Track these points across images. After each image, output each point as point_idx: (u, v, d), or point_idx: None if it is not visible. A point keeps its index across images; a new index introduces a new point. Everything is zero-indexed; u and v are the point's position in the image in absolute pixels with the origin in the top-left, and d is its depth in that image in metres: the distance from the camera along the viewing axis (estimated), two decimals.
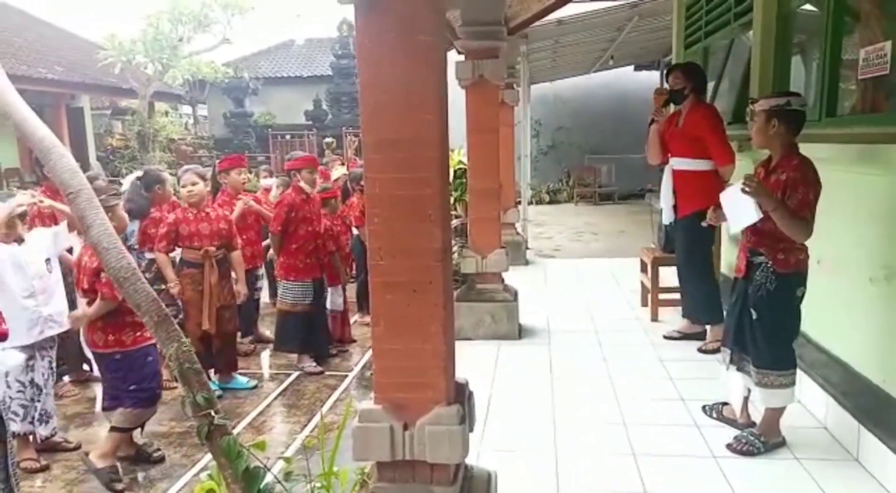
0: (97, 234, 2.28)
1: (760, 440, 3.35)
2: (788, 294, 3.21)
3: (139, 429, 4.04)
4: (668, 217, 5.05)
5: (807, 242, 3.22)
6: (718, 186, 4.46)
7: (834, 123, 3.82)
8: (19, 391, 3.87)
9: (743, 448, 3.35)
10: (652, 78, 15.37)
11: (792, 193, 3.09)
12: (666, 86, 5.05)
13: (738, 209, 3.25)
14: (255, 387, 5.11)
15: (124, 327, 3.71)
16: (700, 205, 4.42)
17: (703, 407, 3.83)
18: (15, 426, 3.83)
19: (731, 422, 3.63)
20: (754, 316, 3.29)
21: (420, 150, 2.02)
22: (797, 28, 4.69)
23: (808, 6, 4.57)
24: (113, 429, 3.75)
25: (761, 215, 3.11)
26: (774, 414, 3.39)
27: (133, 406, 3.74)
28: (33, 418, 3.95)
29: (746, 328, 3.36)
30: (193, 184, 4.82)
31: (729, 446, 3.40)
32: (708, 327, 4.93)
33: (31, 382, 3.94)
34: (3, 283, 3.84)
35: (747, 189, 3.08)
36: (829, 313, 3.69)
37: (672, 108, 5.10)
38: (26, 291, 3.95)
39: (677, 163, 4.83)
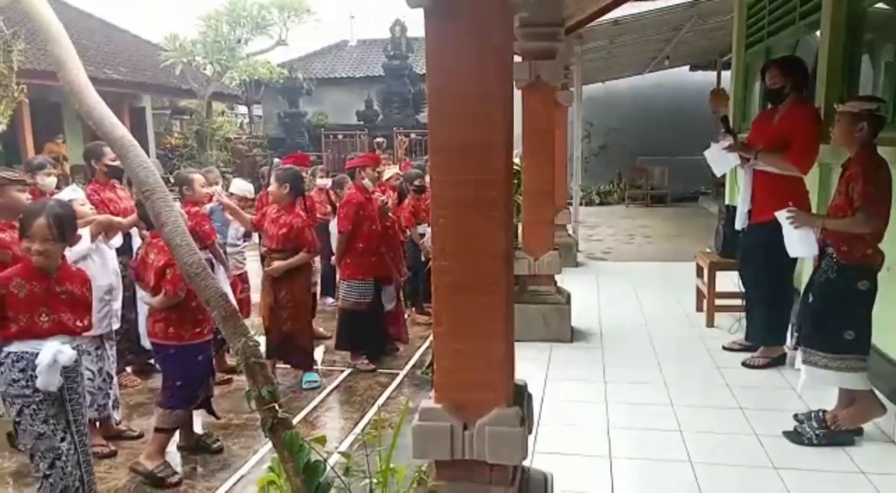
0: (171, 231, 2.37)
1: (815, 431, 3.43)
2: (849, 284, 3.32)
3: (208, 415, 4.16)
4: (741, 222, 4.65)
5: (879, 243, 3.28)
6: (804, 195, 4.29)
7: None
8: (89, 379, 4.04)
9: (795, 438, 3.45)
10: (708, 78, 15.02)
11: (854, 185, 3.25)
12: (723, 86, 4.93)
13: (794, 238, 3.58)
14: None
15: (185, 321, 3.82)
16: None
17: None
18: None
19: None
20: (810, 299, 3.50)
21: (486, 153, 2.03)
22: (868, 27, 4.52)
23: (880, 4, 4.41)
24: (157, 430, 3.85)
25: (816, 251, 3.48)
26: (861, 398, 3.43)
27: (171, 407, 3.82)
28: (102, 405, 4.12)
29: (807, 309, 3.56)
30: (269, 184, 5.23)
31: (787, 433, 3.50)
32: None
33: (101, 370, 4.11)
34: (91, 276, 4.04)
35: (796, 224, 3.53)
36: None
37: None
38: (107, 286, 4.16)
39: (761, 162, 4.41)
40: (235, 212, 5.44)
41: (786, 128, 4.29)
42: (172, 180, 5.36)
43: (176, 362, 3.88)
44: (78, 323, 3.07)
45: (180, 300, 3.77)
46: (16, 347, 2.90)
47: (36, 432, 2.92)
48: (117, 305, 4.27)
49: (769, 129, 4.43)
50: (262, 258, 5.30)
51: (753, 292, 4.71)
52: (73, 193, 4.25)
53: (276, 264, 4.96)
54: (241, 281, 5.79)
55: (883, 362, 3.67)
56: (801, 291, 4.91)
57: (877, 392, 3.60)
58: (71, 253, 3.94)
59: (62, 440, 2.96)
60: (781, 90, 4.33)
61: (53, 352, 2.90)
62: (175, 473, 3.79)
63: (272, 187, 5.07)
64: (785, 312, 4.51)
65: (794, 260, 4.39)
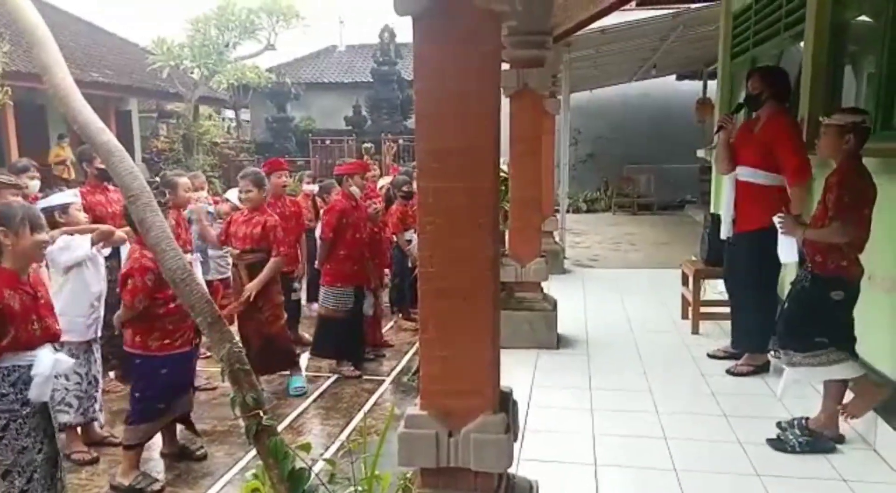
0: (156, 236, 2.35)
1: (798, 439, 3.45)
2: (821, 295, 3.37)
3: (189, 426, 4.10)
4: (726, 231, 4.70)
5: (859, 255, 3.32)
6: (787, 203, 4.29)
7: (889, 136, 3.73)
8: (77, 383, 4.02)
9: (778, 445, 3.48)
10: (695, 87, 15.15)
11: (829, 194, 3.29)
12: (709, 96, 4.96)
13: (783, 244, 3.65)
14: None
15: (152, 331, 3.73)
16: (762, 224, 4.19)
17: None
18: (68, 417, 3.99)
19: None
20: (786, 305, 3.57)
21: (474, 159, 2.03)
22: (851, 39, 4.59)
23: (863, 16, 4.48)
24: (125, 447, 3.77)
25: (796, 258, 3.56)
26: (831, 404, 3.48)
27: (135, 422, 3.73)
28: (87, 408, 4.08)
29: (782, 315, 3.64)
30: (249, 190, 4.99)
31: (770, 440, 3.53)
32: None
33: (88, 374, 4.08)
34: (84, 282, 4.01)
35: (782, 229, 3.53)
36: (879, 331, 3.60)
37: (742, 116, 4.90)
38: (98, 292, 4.14)
39: (744, 173, 4.46)
40: (203, 228, 5.40)
41: (768, 140, 4.32)
42: (159, 181, 5.29)
43: (138, 371, 3.80)
44: (57, 326, 3.01)
45: (140, 310, 3.69)
46: (7, 361, 2.78)
47: (19, 446, 2.81)
48: (102, 310, 4.23)
49: (752, 138, 4.48)
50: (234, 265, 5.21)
51: (739, 299, 4.76)
52: (74, 198, 4.24)
53: (252, 284, 4.84)
54: (223, 286, 5.75)
55: (865, 370, 3.70)
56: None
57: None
58: (69, 258, 3.93)
59: (39, 451, 2.87)
60: (759, 97, 4.39)
61: (53, 361, 2.83)
62: (155, 481, 3.75)
63: (252, 193, 4.95)
64: (770, 319, 4.52)
65: (779, 268, 4.45)
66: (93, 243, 4.00)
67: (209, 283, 5.51)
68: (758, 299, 4.53)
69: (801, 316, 3.47)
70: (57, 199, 4.21)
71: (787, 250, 3.65)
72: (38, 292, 2.94)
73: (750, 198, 4.42)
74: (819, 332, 3.39)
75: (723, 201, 4.79)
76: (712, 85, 12.44)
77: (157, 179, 6.22)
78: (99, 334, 4.23)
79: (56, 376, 3.88)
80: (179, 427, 4.17)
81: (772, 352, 3.94)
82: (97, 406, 4.16)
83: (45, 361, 2.81)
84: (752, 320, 4.59)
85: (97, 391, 4.17)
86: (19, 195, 3.70)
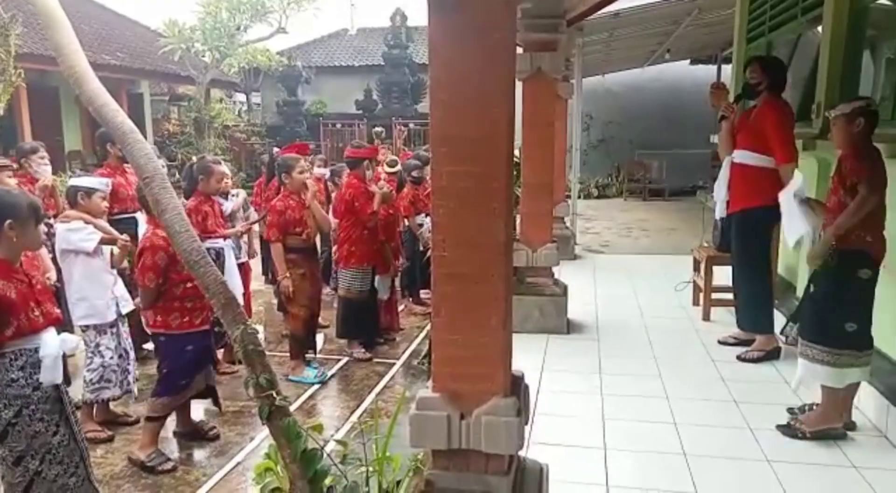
0: (170, 218, 2.37)
1: (802, 430, 3.47)
2: (849, 273, 3.31)
3: (215, 400, 4.17)
4: (720, 211, 4.95)
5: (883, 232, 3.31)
6: (776, 187, 4.34)
7: None
8: (111, 358, 4.10)
9: (788, 432, 3.50)
10: (708, 72, 14.97)
11: (845, 164, 3.31)
12: (723, 81, 4.97)
13: (793, 221, 3.61)
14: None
15: (172, 311, 3.80)
16: (752, 202, 4.41)
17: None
18: (110, 392, 4.13)
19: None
20: (811, 289, 3.49)
21: (488, 144, 2.03)
22: (870, 23, 4.53)
23: (882, 0, 4.42)
24: (147, 419, 3.86)
25: (812, 240, 3.48)
26: (829, 399, 3.47)
27: (159, 395, 3.83)
28: (122, 381, 4.17)
29: (808, 299, 3.57)
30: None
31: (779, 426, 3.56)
32: (757, 336, 4.70)
33: (118, 347, 4.16)
34: (95, 268, 4.05)
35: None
36: (892, 319, 3.58)
37: (744, 103, 4.92)
38: (110, 275, 4.18)
39: (739, 156, 4.61)
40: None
41: (759, 126, 4.45)
42: (195, 163, 5.27)
43: (163, 350, 3.89)
44: (57, 310, 2.93)
45: (160, 290, 3.74)
46: (12, 346, 2.70)
47: (32, 431, 2.75)
48: (118, 290, 4.25)
49: (747, 124, 4.60)
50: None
51: (736, 278, 4.87)
52: (103, 187, 4.28)
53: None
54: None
55: (877, 359, 3.69)
56: (779, 276, 5.04)
57: (870, 387, 3.63)
58: (74, 241, 3.96)
59: (54, 434, 2.82)
60: (757, 86, 4.47)
61: (59, 342, 2.78)
62: (168, 460, 3.82)
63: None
64: (766, 297, 4.66)
65: (768, 246, 4.59)
66: (100, 242, 4.04)
67: (241, 265, 5.55)
68: (753, 277, 4.65)
69: (831, 299, 3.38)
70: (88, 181, 4.24)
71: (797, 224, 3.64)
72: (33, 279, 2.83)
73: (741, 179, 4.58)
74: (849, 316, 3.32)
75: (718, 183, 4.93)
76: (727, 69, 12.30)
77: (168, 161, 6.23)
78: (123, 312, 4.26)
79: (91, 356, 4.02)
80: (199, 407, 4.23)
81: (789, 337, 3.91)
82: (130, 379, 4.24)
83: (52, 342, 2.76)
84: (750, 298, 4.70)
85: (129, 364, 4.24)
86: (14, 176, 3.69)
